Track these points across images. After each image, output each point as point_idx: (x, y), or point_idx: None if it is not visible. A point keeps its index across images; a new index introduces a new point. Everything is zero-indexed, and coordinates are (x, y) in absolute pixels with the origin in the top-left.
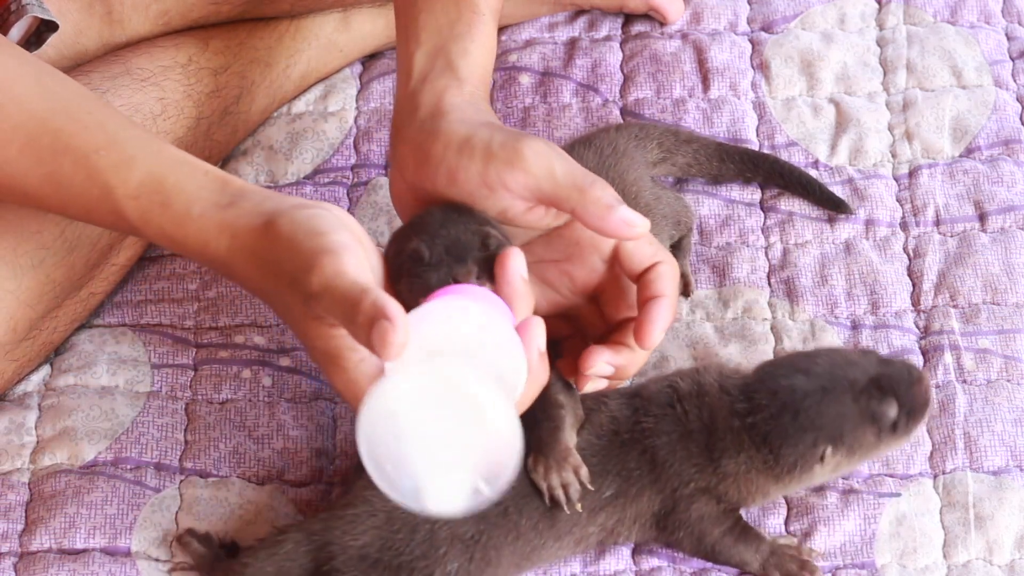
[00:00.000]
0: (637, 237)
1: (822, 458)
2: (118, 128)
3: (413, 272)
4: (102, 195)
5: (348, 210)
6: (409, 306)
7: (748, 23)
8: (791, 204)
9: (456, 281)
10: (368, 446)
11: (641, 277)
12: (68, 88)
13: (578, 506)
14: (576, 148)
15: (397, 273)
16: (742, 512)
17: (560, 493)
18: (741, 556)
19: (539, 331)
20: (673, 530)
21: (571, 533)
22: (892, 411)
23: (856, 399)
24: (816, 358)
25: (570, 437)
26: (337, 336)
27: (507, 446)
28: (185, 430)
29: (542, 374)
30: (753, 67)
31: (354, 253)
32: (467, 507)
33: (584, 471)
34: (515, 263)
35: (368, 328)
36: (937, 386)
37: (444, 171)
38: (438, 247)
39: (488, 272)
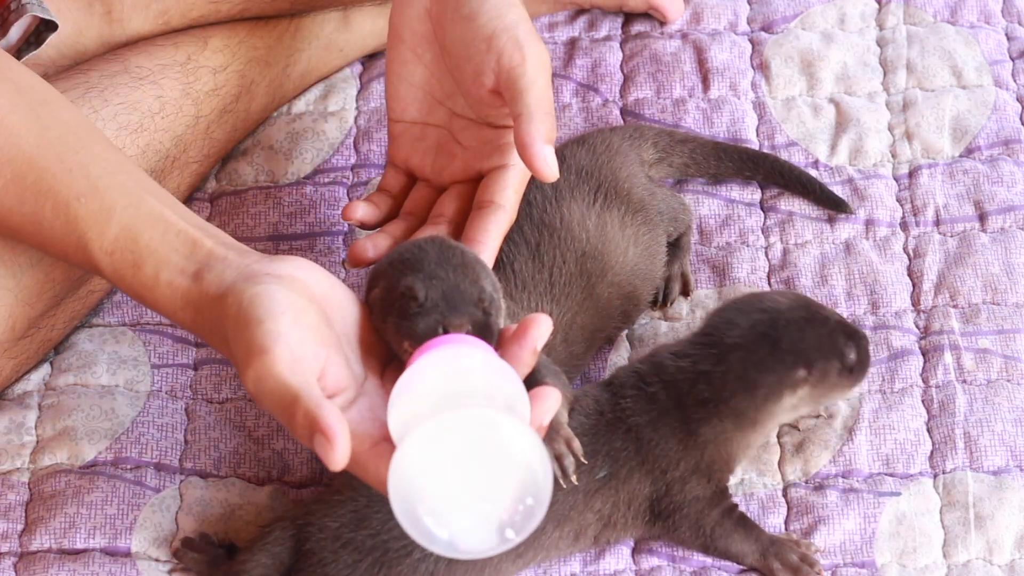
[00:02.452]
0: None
1: (795, 385)
2: (102, 173)
3: (403, 312)
4: (79, 246)
5: None
6: (395, 345)
7: (748, 23)
8: (791, 204)
9: (446, 331)
10: (401, 504)
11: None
12: (60, 121)
13: (573, 478)
14: (570, 146)
15: (388, 310)
16: (743, 508)
17: (555, 465)
18: (739, 546)
19: (552, 404)
20: (669, 515)
21: (569, 519)
22: (853, 353)
23: (831, 332)
24: (777, 296)
25: (562, 414)
26: None
27: (539, 473)
28: (185, 430)
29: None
30: (753, 67)
31: (288, 345)
32: (508, 544)
33: (577, 444)
34: (540, 332)
35: (308, 439)
36: (937, 386)
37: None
38: (435, 289)
39: (480, 333)
